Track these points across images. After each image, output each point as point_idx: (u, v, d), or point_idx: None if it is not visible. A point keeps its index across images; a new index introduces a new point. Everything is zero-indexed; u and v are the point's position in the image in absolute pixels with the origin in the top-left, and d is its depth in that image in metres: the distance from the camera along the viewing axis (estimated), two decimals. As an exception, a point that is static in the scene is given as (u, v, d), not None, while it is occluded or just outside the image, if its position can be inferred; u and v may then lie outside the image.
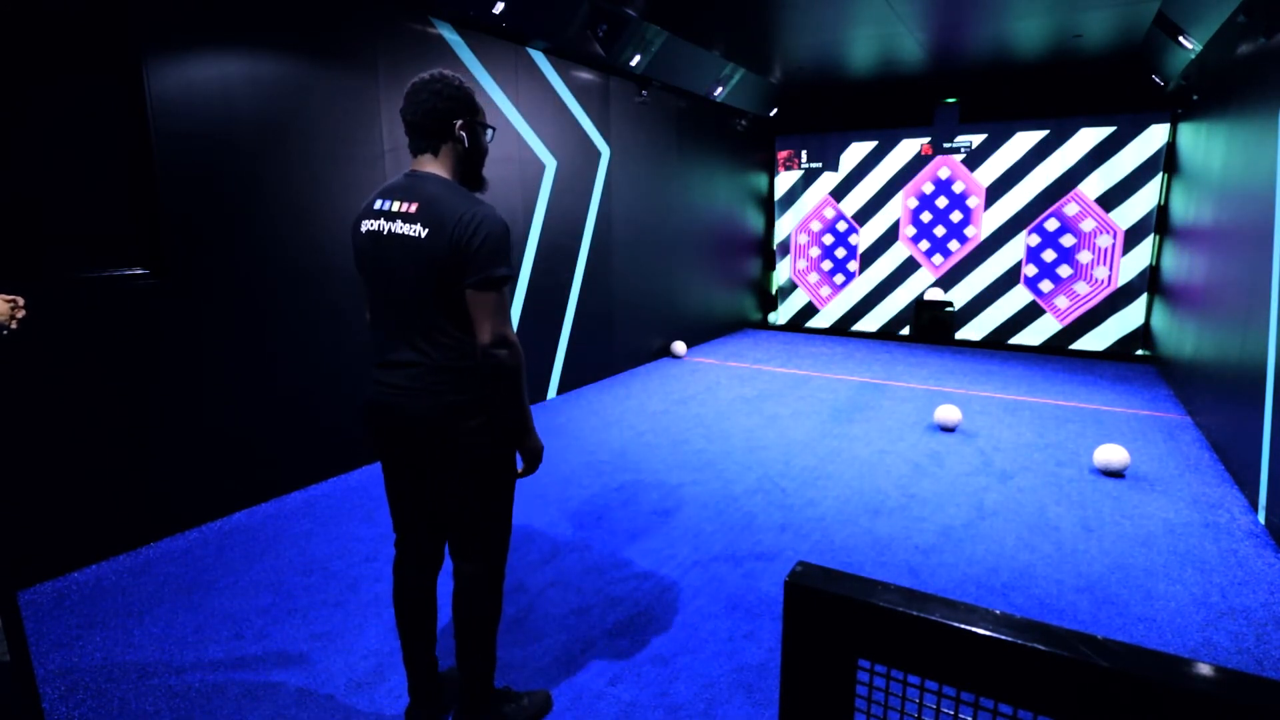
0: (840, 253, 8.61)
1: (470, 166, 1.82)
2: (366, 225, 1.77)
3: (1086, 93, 7.05)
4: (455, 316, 1.73)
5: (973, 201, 7.73)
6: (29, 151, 2.75)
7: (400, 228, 1.70)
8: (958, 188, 7.78)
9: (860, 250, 8.47)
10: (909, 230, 8.13)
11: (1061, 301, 7.45)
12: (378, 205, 1.76)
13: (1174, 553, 3.08)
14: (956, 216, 7.84)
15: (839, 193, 8.49)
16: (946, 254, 7.95)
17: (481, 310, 1.69)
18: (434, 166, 1.77)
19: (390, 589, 2.79)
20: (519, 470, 1.93)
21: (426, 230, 1.67)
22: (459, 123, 1.75)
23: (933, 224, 7.98)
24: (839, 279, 8.67)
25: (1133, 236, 7.01)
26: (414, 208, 1.70)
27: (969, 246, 7.81)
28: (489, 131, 1.86)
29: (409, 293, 1.72)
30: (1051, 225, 7.37)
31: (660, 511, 3.53)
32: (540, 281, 5.42)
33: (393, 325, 1.77)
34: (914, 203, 8.05)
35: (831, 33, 5.60)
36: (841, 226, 8.54)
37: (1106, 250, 7.15)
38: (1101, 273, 7.21)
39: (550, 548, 3.14)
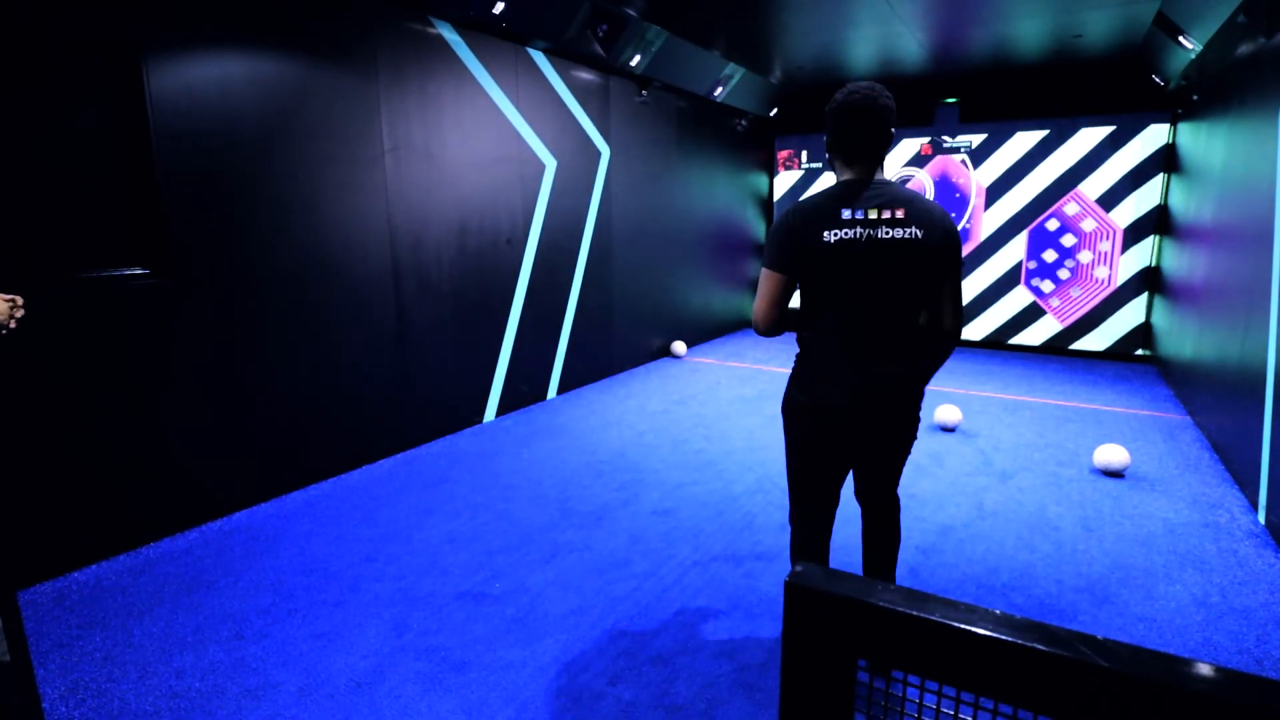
0: (840, 253, 8.59)
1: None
2: (834, 235, 1.83)
3: (1086, 93, 7.05)
4: (921, 306, 1.92)
5: (972, 201, 7.72)
6: (28, 151, 2.75)
7: (889, 232, 1.83)
8: (958, 187, 7.77)
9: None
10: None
11: (1062, 301, 7.44)
12: (846, 214, 1.84)
13: (1174, 553, 3.08)
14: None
15: (839, 193, 8.47)
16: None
17: (956, 301, 1.92)
18: (883, 173, 1.92)
19: (389, 589, 2.80)
20: None
21: (921, 232, 1.83)
22: (892, 129, 1.91)
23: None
24: (839, 279, 8.65)
25: (1133, 236, 7.01)
26: (901, 212, 1.83)
27: (969, 247, 7.81)
28: None
29: (900, 291, 1.87)
30: (1051, 225, 7.37)
31: (660, 511, 3.53)
32: (540, 281, 5.42)
33: (868, 324, 1.89)
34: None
35: (831, 33, 5.60)
36: (841, 226, 8.52)
37: (1106, 250, 7.15)
38: (1102, 273, 7.21)
39: (550, 548, 3.14)
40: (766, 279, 1.93)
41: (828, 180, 8.52)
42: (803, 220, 1.86)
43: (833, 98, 1.91)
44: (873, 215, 1.83)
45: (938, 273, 1.87)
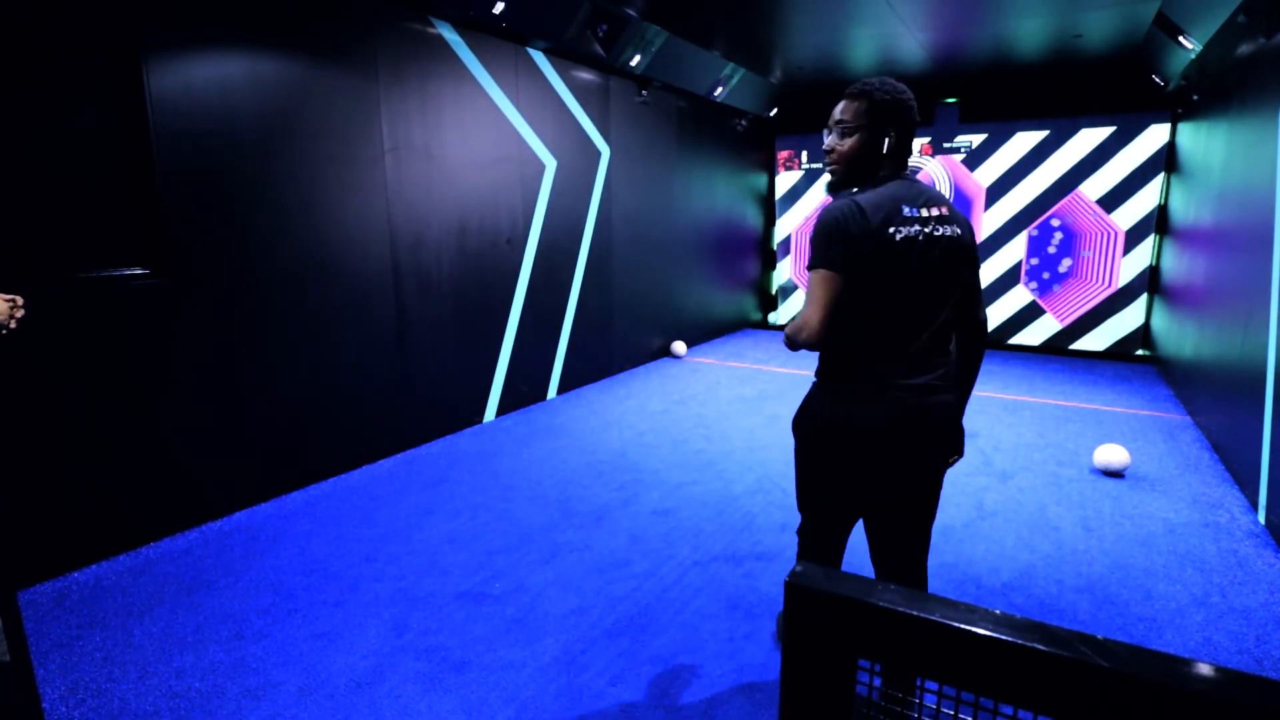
0: (840, 253, 8.59)
1: None
2: (900, 233, 1.68)
3: (1086, 93, 7.05)
4: (959, 308, 1.85)
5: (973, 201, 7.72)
6: (28, 151, 2.75)
7: (941, 230, 1.74)
8: (958, 186, 7.78)
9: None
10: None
11: (1061, 302, 7.45)
12: (907, 211, 1.71)
13: (1174, 553, 3.08)
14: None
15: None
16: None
17: (982, 297, 1.89)
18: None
19: (389, 589, 2.80)
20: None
21: (960, 230, 1.77)
22: None
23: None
24: (839, 279, 8.65)
25: (1133, 237, 7.01)
26: (944, 210, 1.76)
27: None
28: None
29: (948, 291, 1.78)
30: (1051, 225, 7.37)
31: (660, 511, 3.53)
32: (540, 281, 5.42)
33: (923, 327, 1.75)
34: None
35: (831, 33, 5.60)
36: (841, 226, 8.52)
37: (1106, 251, 7.15)
38: (1102, 273, 7.21)
39: (550, 548, 3.14)
40: (823, 282, 1.67)
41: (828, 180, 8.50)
42: (871, 215, 1.67)
43: (897, 91, 1.76)
44: (923, 213, 1.73)
45: (972, 271, 1.83)
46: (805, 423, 1.87)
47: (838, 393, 1.81)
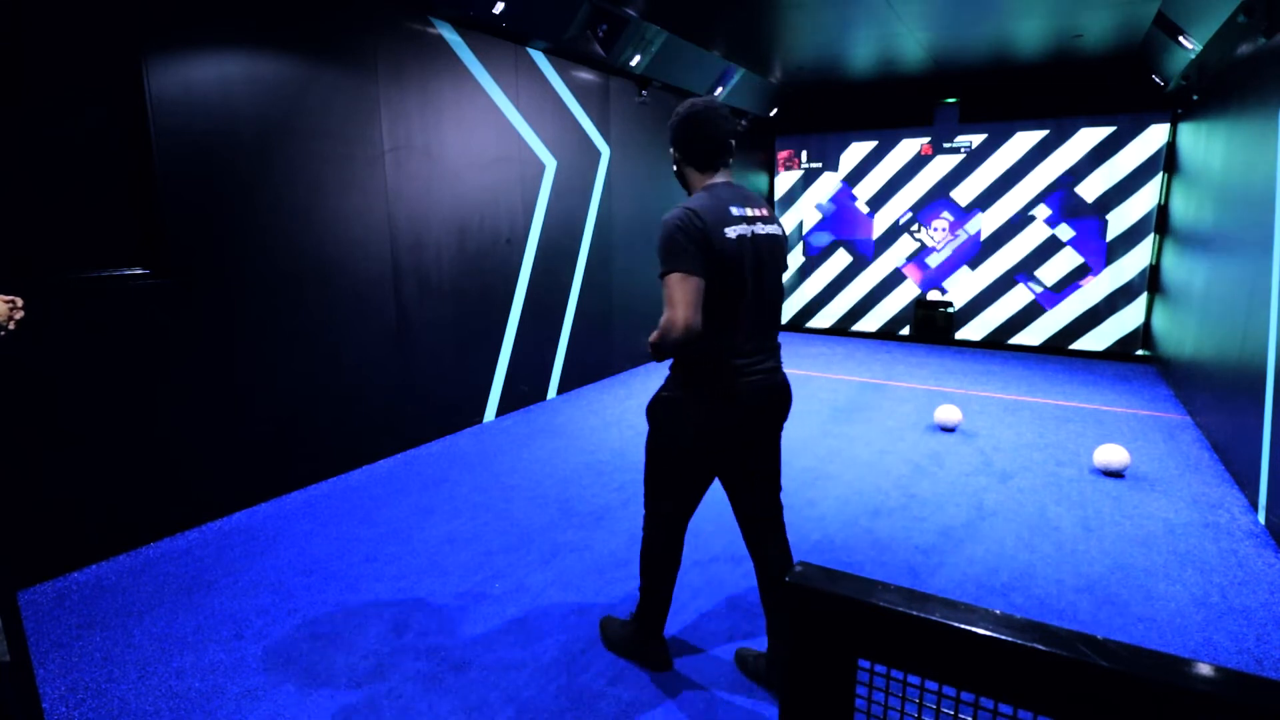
0: (840, 253, 8.60)
1: None
2: (735, 231, 1.87)
3: (1086, 93, 7.05)
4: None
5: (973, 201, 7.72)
6: (29, 150, 2.75)
7: (765, 229, 1.95)
8: (958, 187, 7.77)
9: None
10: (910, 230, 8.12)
11: (1061, 300, 7.44)
12: (735, 212, 1.90)
13: (1174, 553, 3.08)
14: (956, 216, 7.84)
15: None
16: (944, 253, 7.95)
17: (782, 284, 2.15)
18: (732, 178, 2.04)
19: (389, 589, 2.80)
20: None
21: (779, 229, 2.02)
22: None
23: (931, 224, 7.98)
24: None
25: (1133, 236, 7.01)
26: (764, 211, 1.99)
27: (968, 246, 7.81)
28: None
29: (777, 284, 2.01)
30: (1051, 224, 7.37)
31: (660, 511, 3.52)
32: (540, 281, 5.42)
33: (754, 320, 1.96)
34: (913, 202, 8.04)
35: (832, 33, 5.60)
36: (841, 226, 8.53)
37: (1106, 250, 7.15)
38: (1101, 272, 7.21)
39: (550, 548, 3.14)
40: (679, 283, 1.78)
41: (827, 180, 8.52)
42: (704, 219, 1.83)
43: (681, 110, 1.99)
44: (749, 213, 1.93)
45: (783, 267, 2.06)
46: (674, 428, 2.03)
47: (702, 396, 1.96)
